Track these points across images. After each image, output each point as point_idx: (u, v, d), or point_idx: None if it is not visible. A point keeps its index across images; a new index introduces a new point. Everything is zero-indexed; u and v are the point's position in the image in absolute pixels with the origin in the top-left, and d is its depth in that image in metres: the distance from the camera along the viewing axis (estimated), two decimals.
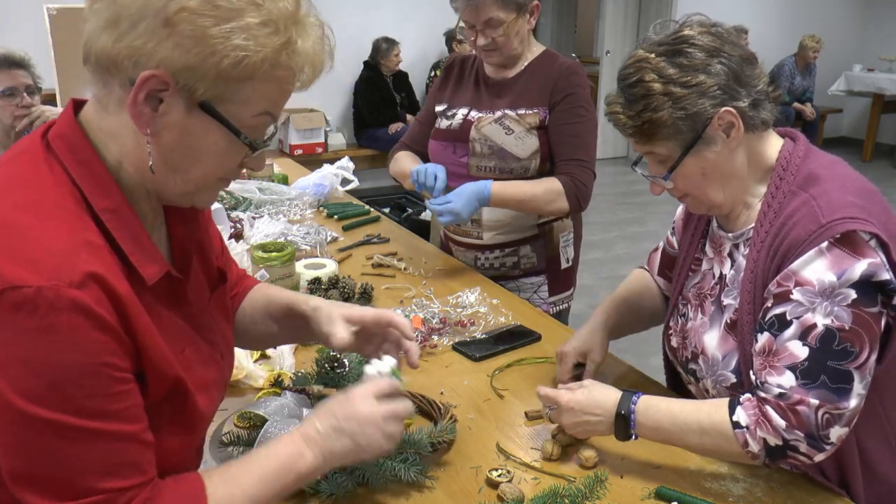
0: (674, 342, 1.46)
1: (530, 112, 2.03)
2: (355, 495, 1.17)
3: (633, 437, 1.25)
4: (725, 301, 1.33)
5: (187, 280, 1.00)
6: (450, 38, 6.64)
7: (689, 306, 1.43)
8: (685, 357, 1.41)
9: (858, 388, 1.13)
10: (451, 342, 1.70)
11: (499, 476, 1.21)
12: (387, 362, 1.12)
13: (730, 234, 1.34)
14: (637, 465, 1.27)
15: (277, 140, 6.47)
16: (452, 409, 1.39)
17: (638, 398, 1.25)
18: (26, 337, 0.76)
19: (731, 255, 1.34)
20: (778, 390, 1.14)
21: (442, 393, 1.49)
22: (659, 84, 1.19)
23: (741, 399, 1.19)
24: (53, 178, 0.85)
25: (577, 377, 1.46)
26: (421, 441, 1.21)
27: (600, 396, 1.27)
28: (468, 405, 1.45)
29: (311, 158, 5.96)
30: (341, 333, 1.14)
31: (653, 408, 1.24)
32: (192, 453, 1.04)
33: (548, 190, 2.00)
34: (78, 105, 0.91)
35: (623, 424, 1.24)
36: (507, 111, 2.04)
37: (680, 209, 1.55)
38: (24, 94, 2.40)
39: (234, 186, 2.73)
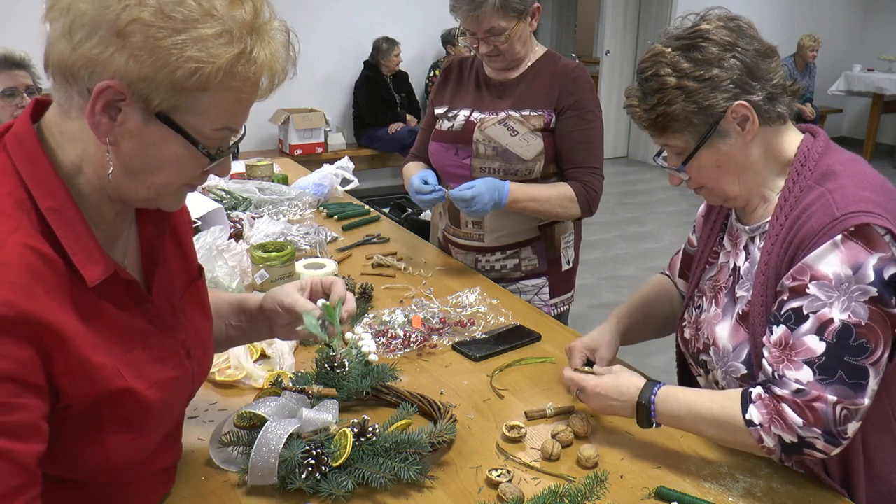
0: (687, 334, 1.47)
1: (535, 114, 2.02)
2: (355, 495, 1.17)
3: (656, 424, 1.28)
4: (739, 293, 1.34)
5: (152, 278, 1.01)
6: (445, 40, 6.64)
7: (704, 298, 1.44)
8: (696, 348, 1.43)
9: (872, 384, 1.15)
10: (451, 342, 1.70)
11: (499, 476, 1.21)
12: (320, 303, 1.19)
13: (746, 227, 1.35)
14: (637, 465, 1.27)
15: (277, 140, 6.47)
16: (452, 409, 1.39)
17: (658, 388, 1.28)
18: None
19: (746, 247, 1.36)
20: (796, 385, 1.15)
21: (442, 393, 1.49)
22: (673, 78, 1.22)
23: (753, 396, 1.19)
24: None
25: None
26: (421, 441, 1.21)
27: (625, 383, 1.31)
28: (468, 405, 1.45)
29: (311, 158, 5.96)
30: (294, 295, 1.19)
31: (671, 398, 1.27)
32: (151, 448, 1.02)
33: (561, 195, 2.01)
34: (42, 105, 0.92)
35: (644, 414, 1.27)
36: (511, 112, 2.03)
37: (702, 206, 1.57)
38: (25, 95, 2.39)
39: (234, 186, 2.73)
